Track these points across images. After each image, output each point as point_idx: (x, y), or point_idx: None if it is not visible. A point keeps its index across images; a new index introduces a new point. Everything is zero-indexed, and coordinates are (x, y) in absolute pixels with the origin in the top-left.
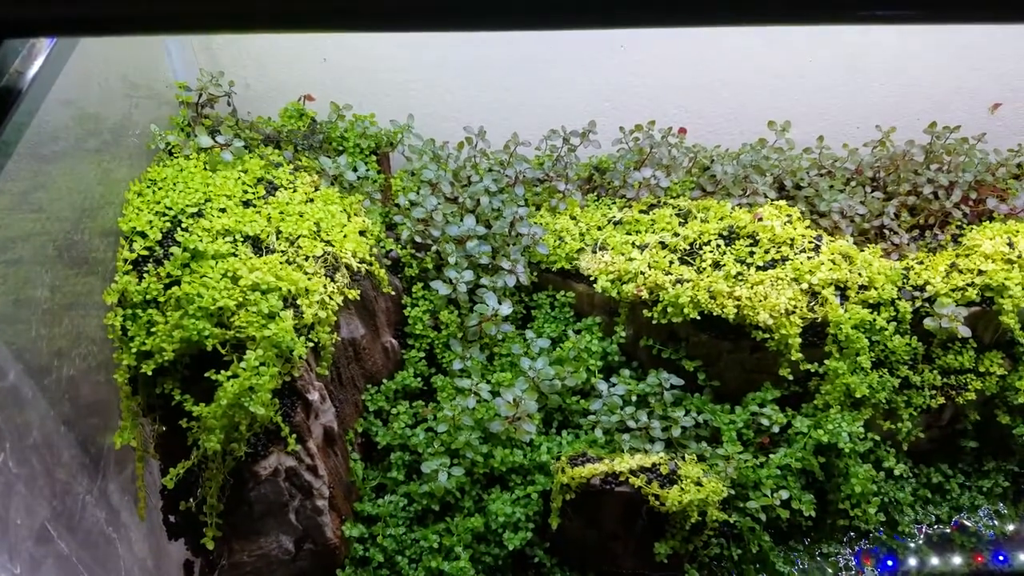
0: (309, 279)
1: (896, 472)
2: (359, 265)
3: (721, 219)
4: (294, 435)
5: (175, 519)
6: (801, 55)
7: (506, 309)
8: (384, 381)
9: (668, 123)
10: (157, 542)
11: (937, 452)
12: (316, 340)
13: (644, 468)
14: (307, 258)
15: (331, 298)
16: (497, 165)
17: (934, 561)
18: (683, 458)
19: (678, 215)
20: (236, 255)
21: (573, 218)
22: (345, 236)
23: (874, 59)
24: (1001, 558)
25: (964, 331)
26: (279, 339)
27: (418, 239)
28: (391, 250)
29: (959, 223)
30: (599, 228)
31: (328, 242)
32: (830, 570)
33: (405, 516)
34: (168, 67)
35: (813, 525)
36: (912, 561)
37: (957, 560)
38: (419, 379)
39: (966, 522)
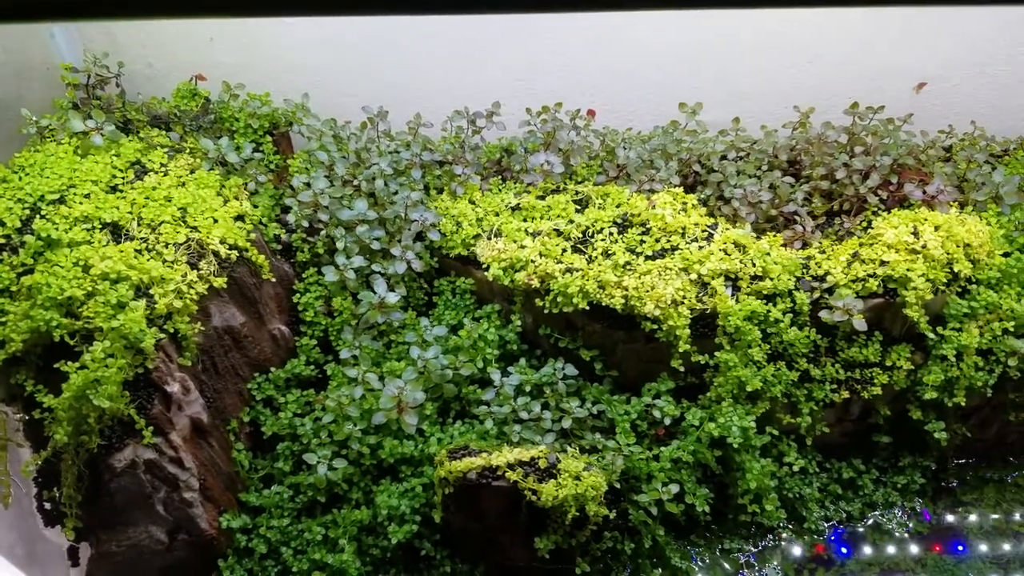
0: (169, 267)
1: (796, 467)
2: (229, 251)
3: (618, 206)
4: (151, 427)
5: (49, 507)
6: (723, 34)
7: (393, 297)
8: (273, 369)
9: (585, 104)
10: (30, 529)
11: (851, 447)
12: (174, 330)
13: (522, 462)
14: (167, 245)
15: (191, 287)
16: (402, 146)
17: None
18: (565, 450)
19: (577, 201)
20: (91, 243)
21: (472, 203)
22: (215, 221)
23: (801, 36)
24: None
25: (859, 324)
26: (127, 330)
27: (307, 223)
28: (277, 234)
29: (875, 209)
30: (496, 214)
31: (194, 228)
32: (728, 566)
33: (292, 507)
34: (53, 47)
35: (714, 520)
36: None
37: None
38: (313, 367)
39: (880, 519)
